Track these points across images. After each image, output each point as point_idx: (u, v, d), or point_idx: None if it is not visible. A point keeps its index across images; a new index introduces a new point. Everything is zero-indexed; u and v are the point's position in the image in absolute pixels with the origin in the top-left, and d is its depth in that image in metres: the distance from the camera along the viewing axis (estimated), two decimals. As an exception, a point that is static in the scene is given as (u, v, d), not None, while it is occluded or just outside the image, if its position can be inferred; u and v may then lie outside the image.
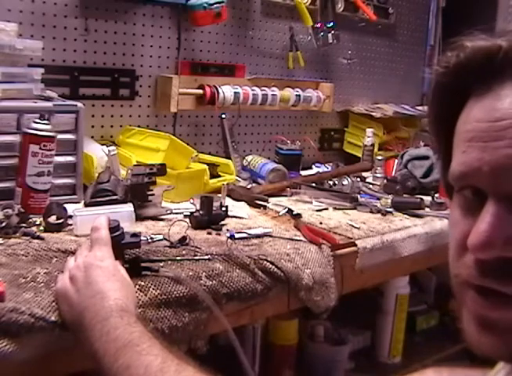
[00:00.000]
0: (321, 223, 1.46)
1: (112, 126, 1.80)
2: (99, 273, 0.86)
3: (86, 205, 1.35)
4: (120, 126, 1.80)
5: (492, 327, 0.53)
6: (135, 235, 1.02)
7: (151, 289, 0.97)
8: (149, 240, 1.17)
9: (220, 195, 1.44)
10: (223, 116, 1.91)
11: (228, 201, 1.49)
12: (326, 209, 1.63)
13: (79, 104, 1.42)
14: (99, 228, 0.94)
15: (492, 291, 0.52)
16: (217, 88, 1.92)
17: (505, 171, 0.50)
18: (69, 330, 0.84)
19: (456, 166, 0.55)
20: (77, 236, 1.17)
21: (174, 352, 0.74)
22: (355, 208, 1.64)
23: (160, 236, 1.20)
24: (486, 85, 0.54)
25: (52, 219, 1.21)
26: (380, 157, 2.09)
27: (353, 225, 1.46)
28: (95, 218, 0.98)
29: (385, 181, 1.92)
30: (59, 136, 1.33)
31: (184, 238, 1.19)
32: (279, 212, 1.51)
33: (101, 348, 0.76)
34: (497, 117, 0.52)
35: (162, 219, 1.36)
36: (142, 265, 1.02)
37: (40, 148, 1.27)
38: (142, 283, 0.97)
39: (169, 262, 1.08)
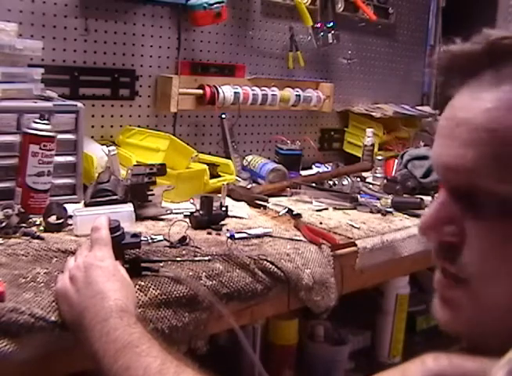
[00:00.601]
0: (321, 223, 1.46)
1: (112, 126, 1.80)
2: (99, 273, 0.86)
3: (86, 205, 1.35)
4: (120, 126, 1.80)
5: (448, 304, 0.60)
6: (136, 235, 1.02)
7: (151, 289, 0.97)
8: (150, 241, 1.17)
9: (220, 195, 1.44)
10: (223, 116, 1.91)
11: (228, 201, 1.49)
12: (326, 209, 1.63)
13: (79, 104, 1.42)
14: (100, 228, 0.94)
15: (448, 271, 0.59)
16: (217, 88, 1.92)
17: (453, 169, 0.55)
18: (69, 330, 0.84)
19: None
20: (77, 236, 1.17)
21: (173, 354, 0.74)
22: (355, 208, 1.64)
23: (161, 237, 1.20)
24: (465, 84, 0.57)
25: (52, 219, 1.21)
26: (380, 157, 2.09)
27: (353, 225, 1.46)
28: (95, 218, 0.98)
29: (385, 181, 1.92)
30: (59, 136, 1.32)
31: (184, 238, 1.19)
32: (279, 212, 1.51)
33: (101, 349, 0.76)
34: (452, 114, 0.56)
35: (162, 219, 1.36)
36: (142, 265, 1.02)
37: (40, 148, 1.27)
38: (142, 283, 0.97)
39: (169, 262, 1.08)
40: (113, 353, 0.74)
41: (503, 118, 0.52)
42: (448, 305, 0.60)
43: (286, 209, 1.51)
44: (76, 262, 0.91)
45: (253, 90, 2.02)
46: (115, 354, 0.74)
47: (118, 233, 0.97)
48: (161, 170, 1.40)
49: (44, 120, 1.28)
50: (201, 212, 1.34)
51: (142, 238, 1.09)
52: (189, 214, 1.36)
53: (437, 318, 0.61)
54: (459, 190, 0.56)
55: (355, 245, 1.36)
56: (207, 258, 1.11)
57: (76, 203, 1.39)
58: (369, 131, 2.19)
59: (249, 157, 1.93)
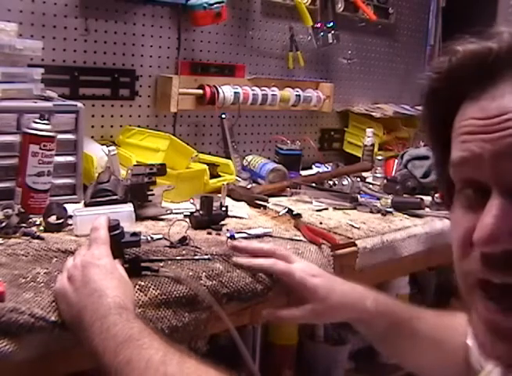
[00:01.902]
0: (321, 223, 1.46)
1: (112, 126, 1.80)
2: (96, 272, 0.86)
3: (86, 205, 1.34)
4: (120, 126, 1.80)
5: (505, 336, 0.52)
6: (135, 234, 1.02)
7: (151, 289, 0.97)
8: (149, 240, 1.17)
9: (220, 195, 1.44)
10: (223, 116, 1.91)
11: (228, 201, 1.49)
12: (326, 209, 1.63)
13: (79, 104, 1.42)
14: (99, 228, 0.94)
15: (501, 293, 0.51)
16: (217, 88, 1.92)
17: (507, 160, 0.50)
18: (68, 329, 0.84)
19: (458, 152, 0.55)
20: (77, 236, 1.17)
21: (174, 347, 0.74)
22: (355, 208, 1.64)
23: (160, 236, 1.20)
24: (480, 87, 0.54)
25: (52, 219, 1.21)
26: (380, 157, 2.09)
27: (353, 225, 1.46)
28: (95, 218, 0.98)
29: (385, 181, 1.92)
30: (59, 136, 1.32)
31: (184, 238, 1.19)
32: (279, 212, 1.51)
33: (101, 345, 0.76)
34: (494, 114, 0.52)
35: (162, 219, 1.36)
36: (142, 265, 1.02)
37: (40, 148, 1.27)
38: (142, 283, 0.97)
39: (169, 262, 1.08)
40: (113, 348, 0.74)
41: None
42: (504, 338, 0.52)
43: (286, 209, 1.51)
44: (74, 261, 0.91)
45: (253, 90, 2.02)
46: (116, 349, 0.73)
47: (117, 232, 0.97)
48: (161, 170, 1.40)
49: (44, 120, 1.28)
50: (201, 212, 1.34)
51: (142, 237, 1.09)
52: (189, 214, 1.35)
53: (487, 352, 0.54)
54: None
55: (355, 245, 1.35)
56: (206, 256, 1.11)
57: (76, 203, 1.39)
58: (369, 131, 2.19)
59: (249, 157, 1.93)
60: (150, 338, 0.75)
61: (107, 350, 0.74)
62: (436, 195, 1.72)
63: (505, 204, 0.50)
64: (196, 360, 0.71)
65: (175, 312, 0.97)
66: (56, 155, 1.32)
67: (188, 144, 1.69)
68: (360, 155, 2.22)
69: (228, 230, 1.30)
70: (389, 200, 1.68)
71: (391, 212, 1.62)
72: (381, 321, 0.97)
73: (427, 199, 1.71)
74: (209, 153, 1.86)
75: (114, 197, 1.31)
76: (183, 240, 1.18)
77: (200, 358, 0.73)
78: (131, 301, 0.86)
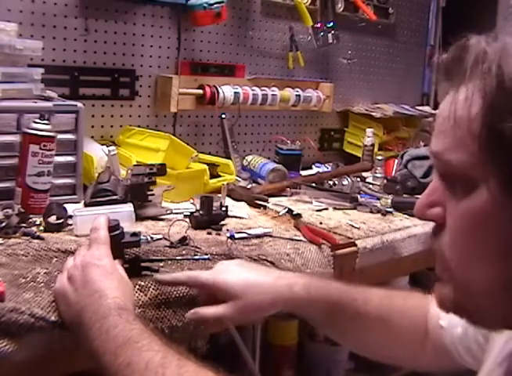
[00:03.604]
0: (321, 223, 1.46)
1: (112, 126, 1.80)
2: (96, 272, 0.86)
3: (86, 205, 1.34)
4: (120, 126, 1.80)
5: (440, 284, 0.63)
6: (135, 234, 1.02)
7: (151, 289, 0.97)
8: (149, 240, 1.17)
9: (220, 195, 1.44)
10: (223, 116, 1.91)
11: (228, 201, 1.49)
12: (326, 209, 1.63)
13: (79, 104, 1.42)
14: (98, 228, 0.94)
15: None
16: (217, 88, 1.92)
17: (437, 158, 0.59)
18: (68, 329, 0.84)
19: None
20: (77, 236, 1.17)
21: (174, 348, 0.74)
22: (355, 208, 1.64)
23: (160, 236, 1.20)
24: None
25: (52, 219, 1.21)
26: (380, 157, 2.09)
27: (353, 226, 1.46)
28: (95, 218, 0.98)
29: (385, 181, 1.92)
30: (59, 136, 1.32)
31: (184, 238, 1.19)
32: (279, 212, 1.51)
33: (100, 347, 0.76)
34: (438, 113, 0.60)
35: (162, 219, 1.36)
36: (142, 265, 1.02)
37: (40, 148, 1.27)
38: (142, 283, 0.97)
39: (169, 262, 1.08)
40: (113, 350, 0.74)
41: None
42: (440, 286, 0.63)
43: (286, 209, 1.51)
44: (74, 261, 0.91)
45: (253, 90, 2.02)
46: (115, 351, 0.74)
47: (117, 232, 0.97)
48: (161, 170, 1.40)
49: (44, 120, 1.28)
50: (201, 212, 1.34)
51: (142, 237, 1.09)
52: (189, 214, 1.35)
53: (434, 297, 0.64)
54: (444, 174, 0.60)
55: (355, 245, 1.35)
56: (206, 256, 1.10)
57: (76, 203, 1.39)
58: (369, 131, 2.19)
59: (249, 157, 1.93)
60: (150, 339, 0.75)
61: (107, 352, 0.74)
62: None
63: (435, 185, 0.61)
64: (196, 362, 0.71)
65: (175, 312, 0.97)
66: (56, 155, 1.32)
67: (188, 144, 1.69)
68: (360, 155, 2.22)
69: (228, 230, 1.30)
70: (389, 200, 1.68)
71: (391, 212, 1.62)
72: (316, 306, 0.94)
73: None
74: (209, 153, 1.86)
75: (114, 197, 1.31)
76: (183, 240, 1.18)
77: (199, 359, 0.73)
78: (131, 302, 0.86)
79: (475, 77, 0.55)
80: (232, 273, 0.94)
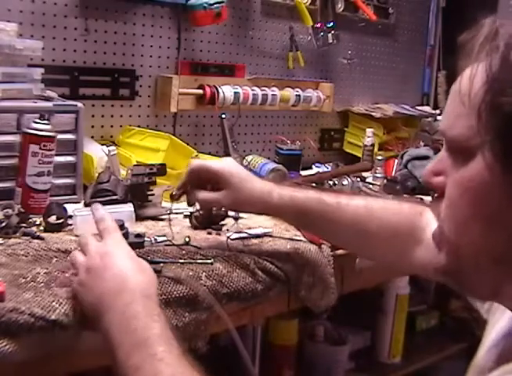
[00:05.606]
0: (321, 223, 1.46)
1: (112, 126, 1.80)
2: (116, 258, 0.84)
3: (86, 205, 1.34)
4: (120, 126, 1.80)
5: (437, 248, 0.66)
6: (139, 235, 1.02)
7: (151, 289, 0.97)
8: (153, 242, 1.16)
9: (220, 195, 1.44)
10: (223, 116, 1.91)
11: (228, 201, 1.48)
12: (326, 209, 1.62)
13: (79, 104, 1.42)
14: (104, 218, 0.92)
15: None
16: (217, 88, 1.92)
17: (444, 134, 0.62)
18: (89, 321, 0.82)
19: None
20: (77, 236, 1.17)
21: (188, 361, 0.72)
22: (355, 208, 1.64)
23: (164, 238, 1.19)
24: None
25: (52, 219, 1.21)
26: (380, 157, 2.09)
27: (353, 225, 1.46)
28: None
29: (385, 181, 1.92)
30: (59, 136, 1.32)
31: (187, 241, 1.19)
32: (279, 212, 1.50)
33: (117, 338, 0.75)
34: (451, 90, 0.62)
35: (162, 219, 1.36)
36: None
37: (40, 148, 1.27)
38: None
39: (169, 262, 1.08)
40: (127, 348, 0.73)
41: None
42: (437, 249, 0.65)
43: (286, 209, 1.51)
44: (88, 254, 0.87)
45: (253, 90, 2.02)
46: (129, 350, 0.73)
47: (122, 232, 0.97)
48: (161, 170, 1.40)
49: (44, 120, 1.28)
50: (201, 212, 1.34)
51: (146, 239, 1.09)
52: (189, 214, 1.35)
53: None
54: (448, 146, 0.62)
55: (355, 245, 1.35)
56: (209, 260, 1.10)
57: (76, 203, 1.39)
58: (369, 131, 2.19)
59: (249, 157, 1.93)
60: (165, 347, 0.73)
61: (121, 347, 0.74)
62: (436, 195, 1.72)
63: (443, 155, 0.63)
64: None
65: (175, 312, 0.97)
66: (56, 155, 1.32)
67: (188, 144, 1.69)
68: (360, 155, 2.22)
69: (228, 230, 1.30)
70: (389, 200, 1.67)
71: (391, 212, 1.61)
72: (286, 211, 1.06)
73: (427, 199, 1.71)
74: (209, 153, 1.86)
75: (114, 197, 1.31)
76: (187, 243, 1.18)
77: (198, 364, 0.72)
78: (154, 287, 0.84)
79: (483, 54, 0.56)
80: (236, 167, 1.09)
